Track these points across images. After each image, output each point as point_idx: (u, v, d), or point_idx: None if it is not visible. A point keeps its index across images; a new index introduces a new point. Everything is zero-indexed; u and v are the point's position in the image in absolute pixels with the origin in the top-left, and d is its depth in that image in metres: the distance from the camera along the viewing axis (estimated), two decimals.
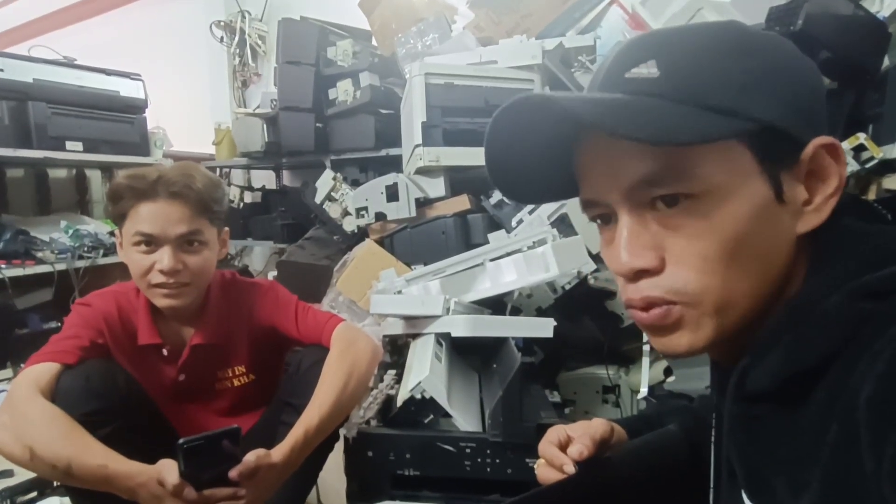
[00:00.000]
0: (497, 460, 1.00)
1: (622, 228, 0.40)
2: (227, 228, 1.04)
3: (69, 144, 2.25)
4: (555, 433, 0.58)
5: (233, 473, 0.78)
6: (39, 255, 2.14)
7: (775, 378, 0.38)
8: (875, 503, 0.30)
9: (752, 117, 0.36)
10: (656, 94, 0.37)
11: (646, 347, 1.28)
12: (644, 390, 1.24)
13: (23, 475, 1.32)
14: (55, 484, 1.30)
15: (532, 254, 1.26)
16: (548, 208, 1.60)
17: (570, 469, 0.53)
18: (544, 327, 1.19)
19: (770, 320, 0.39)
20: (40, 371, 0.86)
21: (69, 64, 2.30)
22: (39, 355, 0.89)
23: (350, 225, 1.89)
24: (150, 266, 0.91)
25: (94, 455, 0.79)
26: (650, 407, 1.20)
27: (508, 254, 1.32)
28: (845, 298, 0.36)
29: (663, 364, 1.30)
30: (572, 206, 1.56)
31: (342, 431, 1.04)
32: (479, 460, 1.01)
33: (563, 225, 1.52)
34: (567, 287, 1.49)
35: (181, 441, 0.75)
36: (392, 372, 1.29)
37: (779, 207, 0.38)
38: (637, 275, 0.40)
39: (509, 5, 1.95)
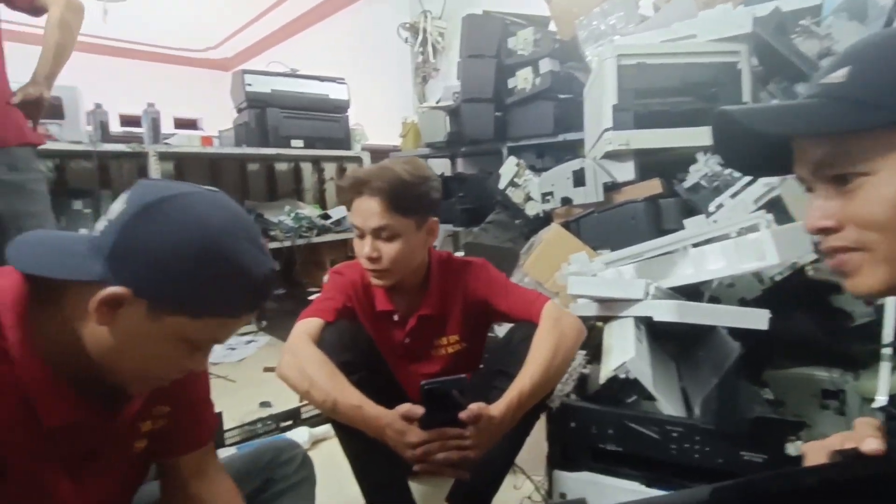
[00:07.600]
0: (707, 448, 0.99)
1: (811, 199, 0.52)
2: (435, 218, 1.14)
3: (293, 142, 2.70)
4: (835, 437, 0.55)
5: (463, 414, 0.89)
6: (272, 233, 2.62)
7: None
8: None
9: None
10: (840, 96, 0.47)
11: (885, 350, 1.12)
12: (882, 398, 1.09)
13: (279, 406, 1.64)
14: (302, 416, 1.61)
15: (744, 240, 1.18)
16: (754, 192, 1.48)
17: (873, 445, 0.51)
18: (758, 319, 1.12)
19: None
20: (310, 324, 1.07)
21: (294, 74, 2.75)
22: (308, 311, 1.11)
23: (533, 209, 1.95)
24: (361, 251, 1.09)
25: (352, 397, 0.96)
26: None
27: (713, 239, 1.26)
28: None
29: None
30: (786, 190, 1.42)
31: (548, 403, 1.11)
32: (686, 445, 1.00)
33: (774, 210, 1.39)
34: (777, 278, 1.36)
35: (423, 383, 0.88)
36: (582, 352, 1.33)
37: None
38: (822, 231, 0.51)
39: None
